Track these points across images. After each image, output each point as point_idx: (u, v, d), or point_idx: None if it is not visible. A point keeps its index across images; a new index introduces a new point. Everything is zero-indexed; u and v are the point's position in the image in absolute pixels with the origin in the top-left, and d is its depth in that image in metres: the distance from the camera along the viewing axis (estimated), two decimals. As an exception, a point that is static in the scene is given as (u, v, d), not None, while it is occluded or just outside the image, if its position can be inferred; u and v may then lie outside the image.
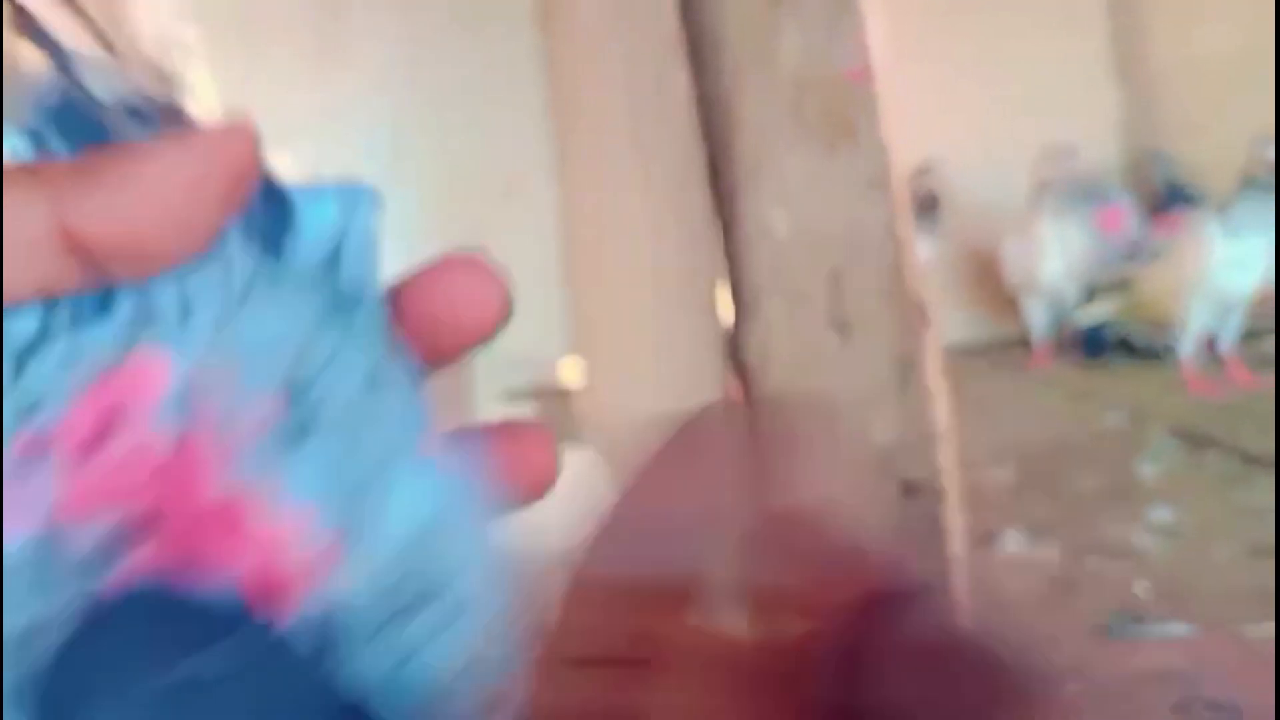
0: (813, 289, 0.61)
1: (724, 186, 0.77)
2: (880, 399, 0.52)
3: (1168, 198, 2.39)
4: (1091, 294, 2.33)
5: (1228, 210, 1.96)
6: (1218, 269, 1.99)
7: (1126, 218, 2.32)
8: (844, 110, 0.51)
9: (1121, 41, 2.64)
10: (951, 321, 2.67)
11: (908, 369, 0.47)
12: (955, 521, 0.47)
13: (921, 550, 0.49)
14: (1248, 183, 1.93)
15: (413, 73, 2.20)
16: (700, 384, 0.84)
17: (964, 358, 2.54)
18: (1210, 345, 2.15)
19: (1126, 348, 2.22)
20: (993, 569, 1.23)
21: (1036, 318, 2.36)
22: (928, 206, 2.43)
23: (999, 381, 2.31)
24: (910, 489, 0.49)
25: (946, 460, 0.46)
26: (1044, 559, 1.25)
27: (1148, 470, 1.59)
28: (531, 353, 2.26)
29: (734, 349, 0.80)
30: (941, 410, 0.47)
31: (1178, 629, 0.95)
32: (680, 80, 0.73)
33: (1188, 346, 2.01)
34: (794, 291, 0.66)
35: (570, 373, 2.22)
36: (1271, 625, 0.93)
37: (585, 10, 1.52)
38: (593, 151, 1.54)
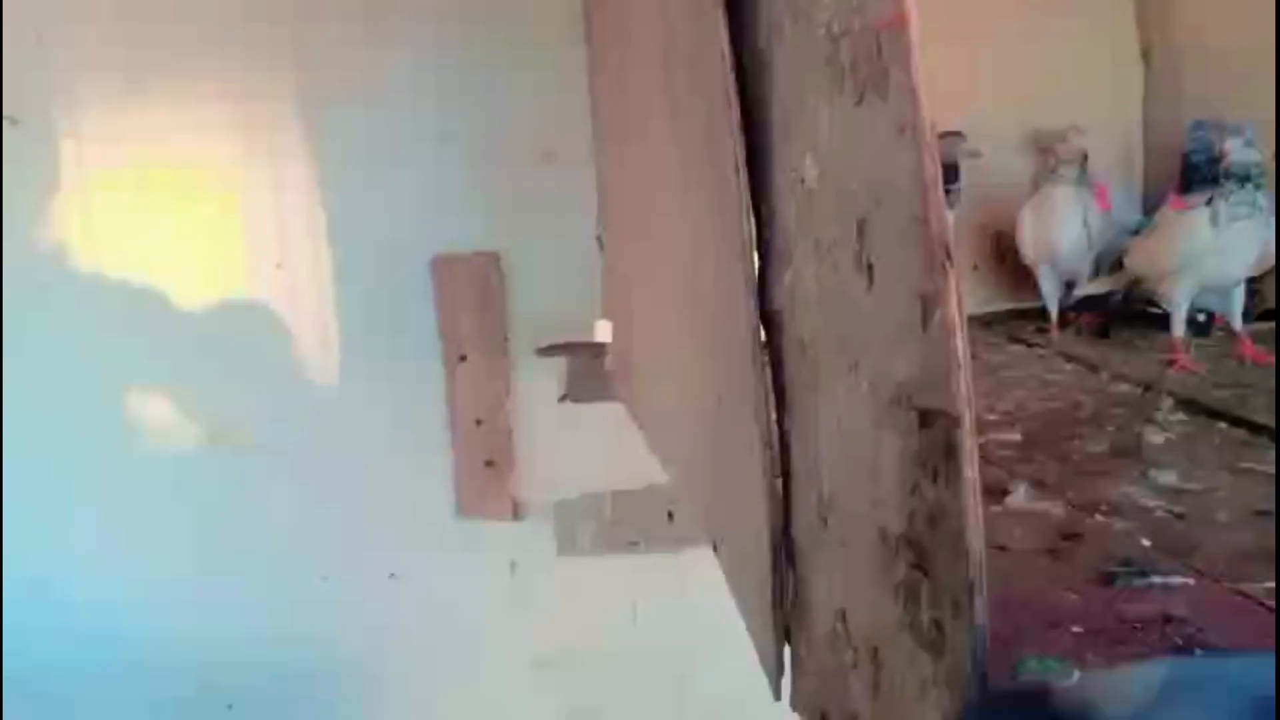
0: (841, 235, 0.65)
1: (758, 138, 0.80)
2: (903, 337, 0.55)
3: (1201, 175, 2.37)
4: (1098, 269, 2.36)
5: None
6: (1203, 256, 2.00)
7: (1110, 196, 2.34)
8: (876, 60, 0.54)
9: (1144, 25, 2.64)
10: (967, 291, 2.70)
11: (930, 307, 0.51)
12: (972, 445, 0.50)
13: (939, 473, 0.53)
14: (1239, 169, 1.90)
15: (455, 40, 2.23)
16: (731, 333, 0.88)
17: (977, 328, 2.58)
18: (1223, 321, 2.18)
19: (1144, 320, 2.24)
20: (1000, 520, 1.27)
21: (1048, 290, 2.40)
22: (948, 177, 2.46)
23: (1010, 352, 2.34)
24: (928, 416, 0.53)
25: (964, 388, 0.50)
26: (1050, 513, 1.29)
27: (1154, 438, 1.62)
28: (567, 314, 2.31)
29: (763, 295, 0.84)
30: (961, 344, 0.50)
31: (1177, 580, 0.99)
32: (718, 36, 0.76)
33: (1177, 326, 2.04)
34: (823, 239, 0.69)
35: (603, 333, 2.27)
36: (1271, 583, 0.96)
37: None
38: (630, 113, 1.57)
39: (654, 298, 1.53)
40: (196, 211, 2.20)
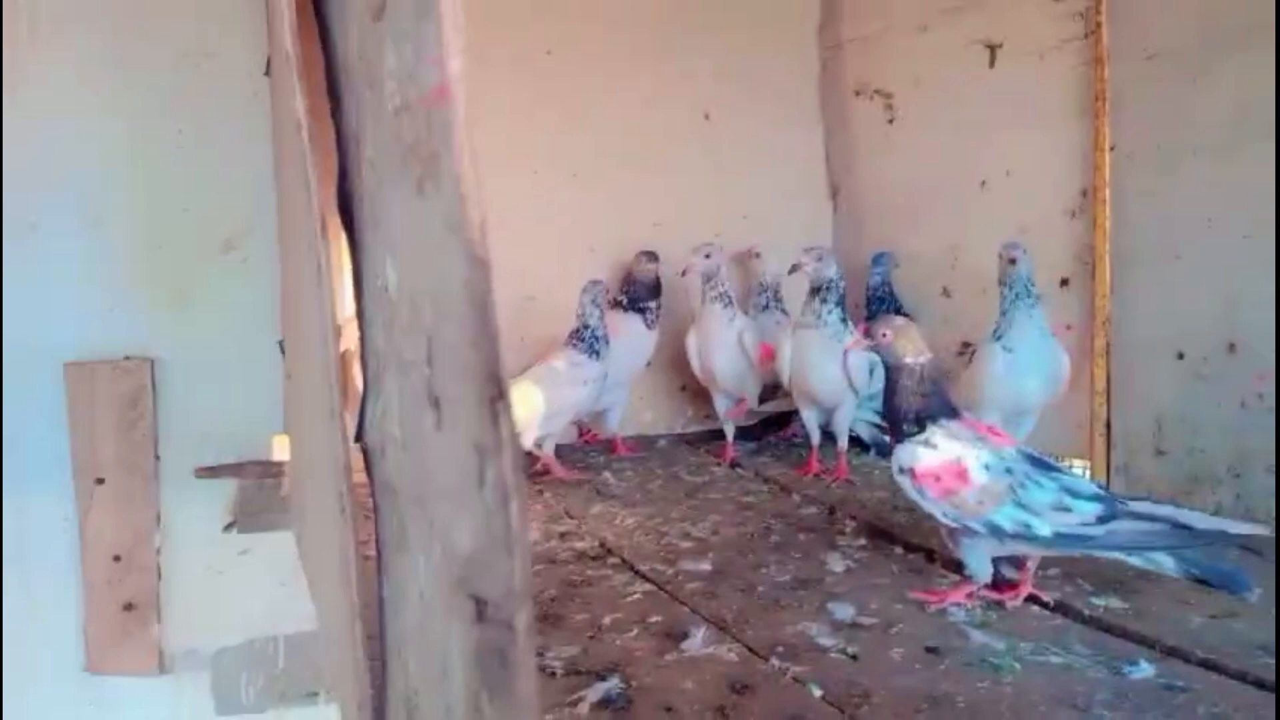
0: (415, 356, 0.51)
1: (353, 237, 0.66)
2: (464, 499, 0.41)
3: (880, 301, 2.54)
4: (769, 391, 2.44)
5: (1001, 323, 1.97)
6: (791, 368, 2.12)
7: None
8: (427, 141, 0.42)
9: (832, 168, 2.88)
10: (663, 410, 2.73)
11: (485, 462, 0.38)
12: (526, 655, 0.37)
13: (495, 689, 0.39)
14: (1013, 290, 1.95)
15: (123, 107, 1.95)
16: (325, 477, 0.72)
17: (684, 447, 2.58)
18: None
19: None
20: (674, 670, 1.17)
21: (720, 408, 2.46)
22: (648, 294, 2.48)
23: (713, 472, 2.33)
24: (483, 608, 0.39)
25: (518, 575, 0.37)
26: (724, 658, 1.21)
27: (836, 565, 1.61)
28: (239, 428, 2.02)
29: (359, 429, 0.68)
30: (516, 516, 0.37)
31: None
32: (294, 106, 0.62)
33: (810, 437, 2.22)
34: (403, 359, 0.55)
35: (280, 451, 2.00)
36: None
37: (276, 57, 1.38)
38: (290, 210, 1.39)
39: (308, 415, 1.34)
40: None
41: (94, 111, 1.93)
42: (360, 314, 0.68)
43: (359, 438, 0.71)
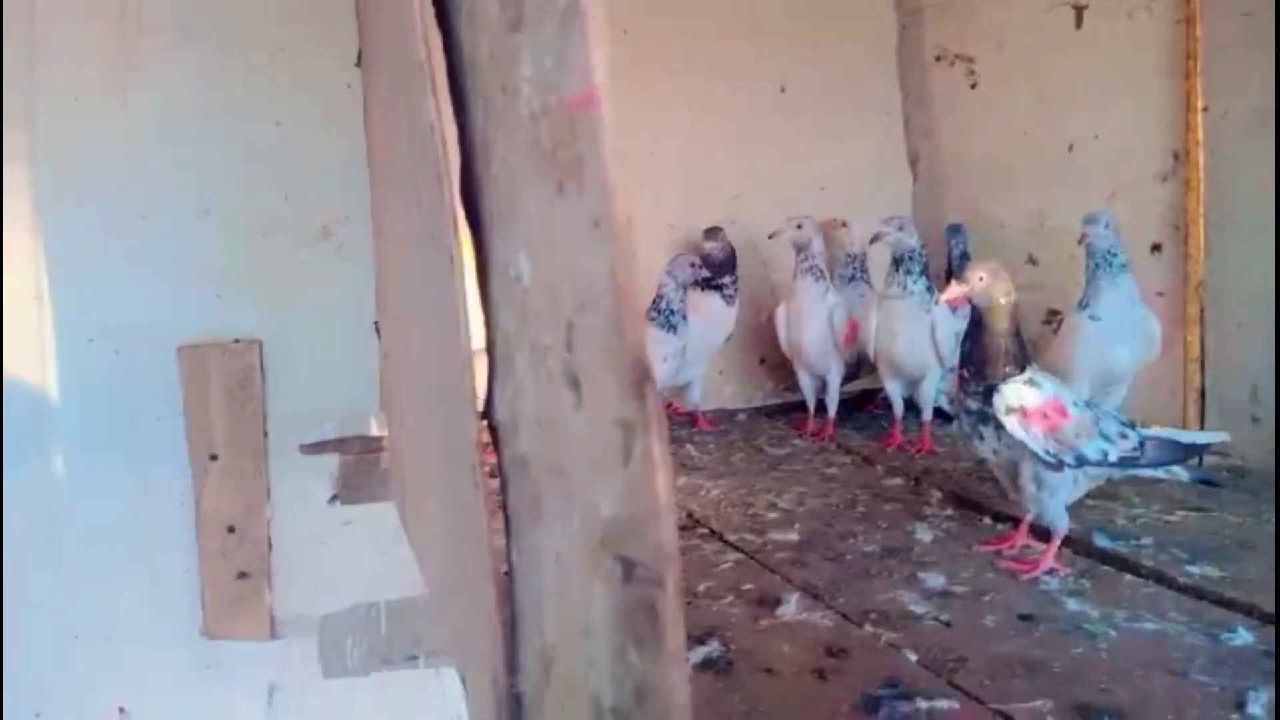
0: (553, 340, 0.55)
1: (479, 231, 0.71)
2: (608, 469, 0.46)
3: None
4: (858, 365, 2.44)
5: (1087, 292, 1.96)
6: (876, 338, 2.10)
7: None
8: (570, 145, 0.46)
9: (912, 135, 2.85)
10: (743, 384, 2.75)
11: (630, 437, 0.42)
12: (676, 609, 0.41)
13: (643, 640, 0.44)
14: (1094, 260, 1.92)
15: (221, 100, 2.03)
16: (457, 449, 0.77)
17: (762, 419, 2.60)
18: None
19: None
20: (771, 634, 1.21)
21: (804, 385, 2.46)
22: (723, 269, 2.50)
23: (793, 445, 2.36)
24: (631, 569, 0.43)
25: (666, 538, 0.41)
26: (819, 625, 1.24)
27: (924, 535, 1.63)
28: (341, 406, 2.12)
29: (487, 407, 0.73)
30: (663, 484, 0.41)
31: (943, 704, 0.94)
32: (426, 106, 0.67)
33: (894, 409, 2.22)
34: (538, 344, 0.60)
35: (378, 427, 2.09)
36: (1035, 702, 0.94)
37: (385, 43, 1.44)
38: (392, 199, 1.45)
39: (412, 394, 1.41)
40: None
41: (200, 109, 2.03)
42: (485, 301, 0.73)
43: (484, 416, 0.76)
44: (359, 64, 2.00)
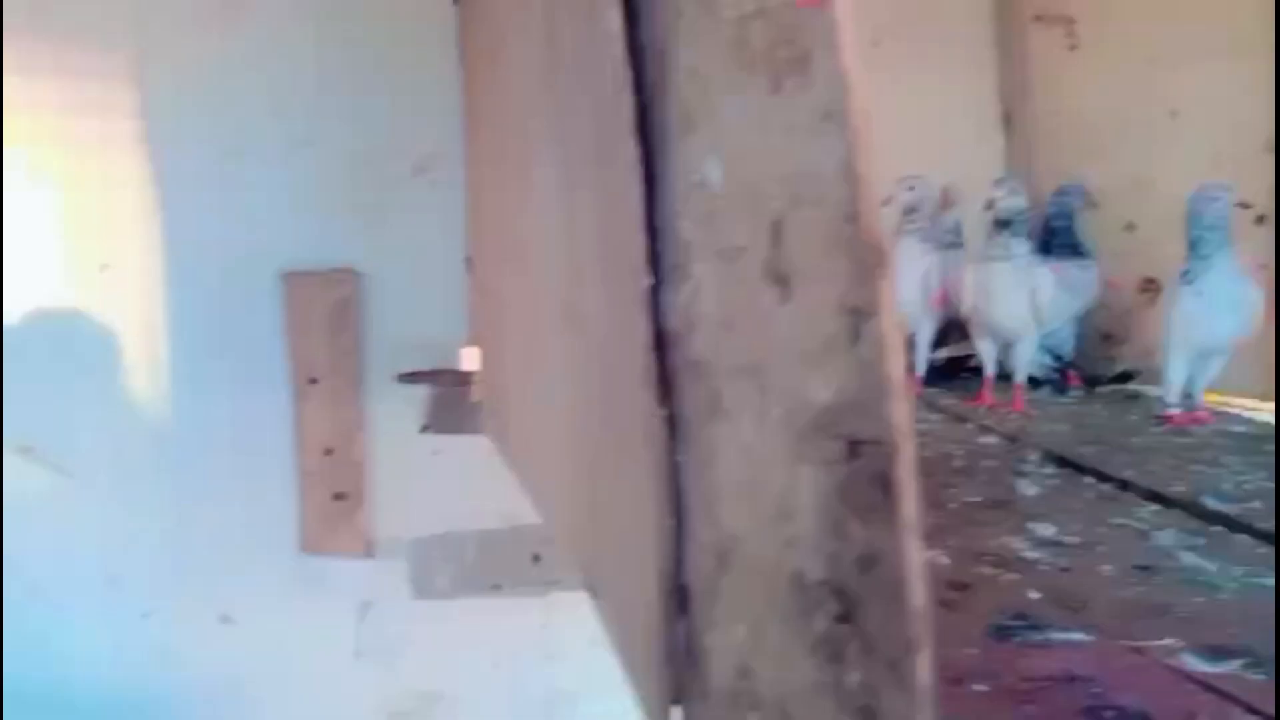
0: (750, 242, 0.57)
1: (652, 140, 0.73)
2: (827, 357, 0.48)
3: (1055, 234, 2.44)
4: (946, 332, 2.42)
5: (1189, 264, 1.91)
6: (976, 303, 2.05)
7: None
8: (794, 41, 0.48)
9: (1005, 93, 2.78)
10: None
11: (860, 321, 0.44)
12: (910, 480, 0.43)
13: (872, 510, 0.46)
14: (1197, 231, 1.88)
15: (321, 35, 2.07)
16: (619, 356, 0.80)
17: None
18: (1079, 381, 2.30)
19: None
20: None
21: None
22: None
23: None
24: (858, 447, 0.45)
25: (903, 413, 0.43)
26: (936, 561, 1.26)
27: (1028, 490, 1.63)
28: (432, 338, 2.18)
29: (654, 315, 0.75)
30: (896, 363, 0.43)
31: (1076, 636, 0.96)
32: (611, 25, 0.68)
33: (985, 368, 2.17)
34: (727, 247, 0.62)
35: (470, 361, 2.14)
36: (1166, 640, 0.95)
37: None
38: (504, 127, 1.47)
39: (528, 324, 1.43)
40: (10, 201, 1.97)
41: (300, 44, 2.07)
42: (651, 211, 0.75)
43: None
44: (456, 2, 2.01)
